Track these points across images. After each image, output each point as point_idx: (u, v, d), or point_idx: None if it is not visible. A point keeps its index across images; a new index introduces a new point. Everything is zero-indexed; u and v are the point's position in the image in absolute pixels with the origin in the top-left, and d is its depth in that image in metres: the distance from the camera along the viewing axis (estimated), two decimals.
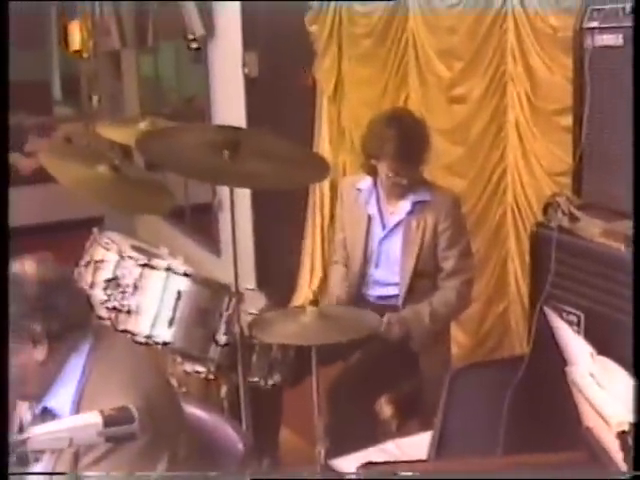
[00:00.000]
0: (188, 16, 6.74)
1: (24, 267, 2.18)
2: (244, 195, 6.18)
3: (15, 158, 9.94)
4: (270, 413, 3.60)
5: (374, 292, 3.79)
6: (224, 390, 3.36)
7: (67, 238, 4.27)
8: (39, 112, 11.15)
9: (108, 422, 1.66)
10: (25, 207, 9.36)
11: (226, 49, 6.46)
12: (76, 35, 10.36)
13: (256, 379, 3.33)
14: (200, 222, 7.53)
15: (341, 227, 3.94)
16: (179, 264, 3.26)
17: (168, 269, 3.17)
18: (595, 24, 2.93)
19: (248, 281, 5.85)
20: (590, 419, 2.11)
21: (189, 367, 3.31)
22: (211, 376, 3.28)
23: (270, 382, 3.35)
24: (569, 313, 2.85)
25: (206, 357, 3.20)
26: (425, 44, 4.83)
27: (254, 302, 3.63)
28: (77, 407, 2.14)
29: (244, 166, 2.88)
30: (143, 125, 4.04)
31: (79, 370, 2.17)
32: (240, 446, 2.36)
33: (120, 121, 5.03)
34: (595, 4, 2.96)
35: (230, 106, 6.50)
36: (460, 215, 3.78)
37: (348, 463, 3.23)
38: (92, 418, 1.68)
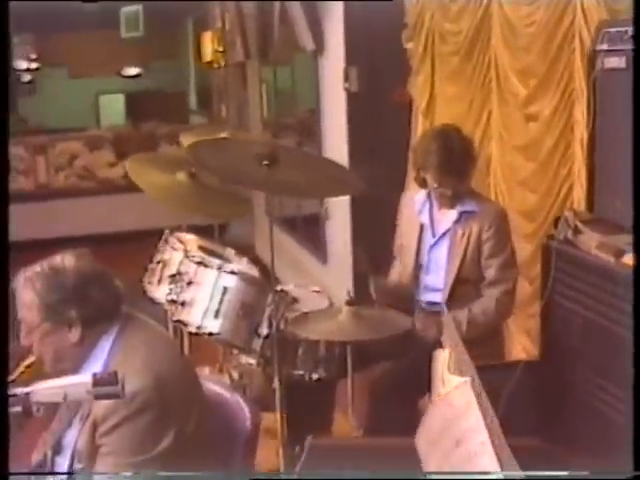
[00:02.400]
0: (299, 31, 7.08)
1: (63, 261, 2.51)
2: (344, 204, 6.47)
3: None
4: (319, 404, 3.86)
5: (424, 297, 4.02)
6: (276, 381, 3.62)
7: None
8: (175, 120, 11.71)
9: (96, 383, 1.99)
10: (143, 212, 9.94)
11: (333, 63, 6.75)
12: (208, 47, 10.84)
13: (301, 372, 3.61)
14: (310, 232, 7.82)
15: (399, 235, 4.18)
16: (230, 264, 3.57)
17: (219, 268, 3.50)
18: (605, 47, 3.09)
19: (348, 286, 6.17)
20: None
21: (243, 359, 3.62)
22: (260, 367, 3.56)
23: (315, 376, 3.62)
24: (570, 320, 3.02)
25: (249, 348, 3.50)
26: (505, 62, 5.01)
27: (317, 303, 3.90)
28: None
29: (280, 176, 3.16)
30: (223, 135, 4.36)
31: (106, 352, 2.51)
32: (248, 424, 2.64)
33: (202, 131, 5.38)
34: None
35: (334, 119, 6.80)
36: (505, 226, 3.95)
37: None
38: (84, 378, 2.02)
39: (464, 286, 3.92)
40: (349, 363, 3.29)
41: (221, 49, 10.19)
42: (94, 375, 2.03)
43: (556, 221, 3.23)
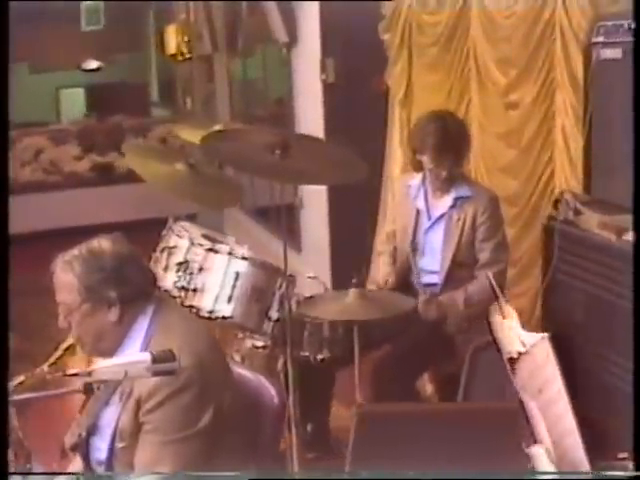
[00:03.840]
0: (272, 23, 7.17)
1: (100, 244, 2.61)
2: (321, 193, 6.59)
3: (113, 157, 10.56)
4: (320, 385, 4.00)
5: (420, 279, 4.15)
6: (280, 362, 3.75)
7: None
8: (137, 113, 11.72)
9: (155, 359, 2.09)
10: (119, 204, 9.97)
11: (307, 55, 6.84)
12: (172, 39, 10.86)
13: (307, 353, 3.74)
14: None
15: (392, 220, 4.33)
16: (240, 250, 3.68)
17: (230, 253, 3.61)
18: (601, 39, 3.26)
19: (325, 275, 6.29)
20: None
21: (250, 342, 3.74)
22: (268, 350, 3.68)
23: (319, 357, 3.75)
24: (572, 297, 3.19)
25: (260, 330, 3.62)
26: (484, 52, 5.17)
27: (314, 289, 4.04)
28: None
29: (292, 164, 3.28)
30: (218, 128, 4.45)
31: (144, 330, 2.62)
32: (276, 400, 2.76)
33: (197, 124, 5.48)
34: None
35: (310, 110, 6.90)
36: (497, 210, 4.12)
37: None
38: (143, 356, 2.12)
39: (459, 269, 4.08)
40: (356, 343, 3.41)
41: (187, 41, 10.26)
42: (152, 353, 2.13)
43: (555, 203, 3.38)
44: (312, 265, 7.01)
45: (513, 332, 2.40)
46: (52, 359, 2.70)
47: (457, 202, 4.09)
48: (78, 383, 2.09)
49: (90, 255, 2.58)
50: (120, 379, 2.14)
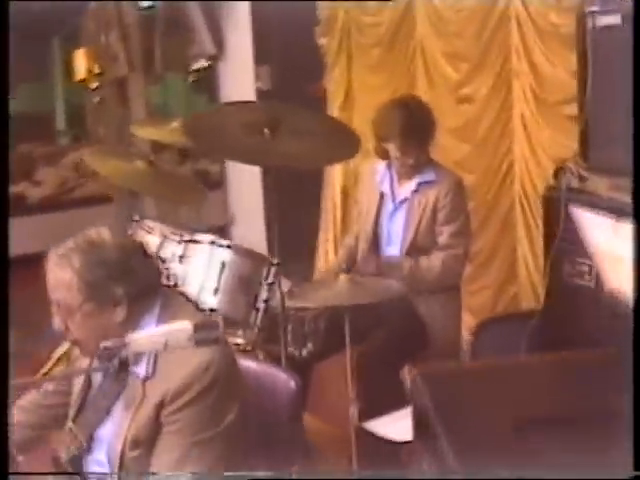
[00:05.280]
0: (199, 35, 7.03)
1: (100, 235, 2.30)
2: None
3: (24, 187, 10.20)
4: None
5: None
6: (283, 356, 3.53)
7: None
8: (43, 143, 11.39)
9: (197, 327, 1.90)
10: (32, 235, 9.62)
11: (238, 65, 6.72)
12: (81, 64, 10.56)
13: (292, 349, 3.57)
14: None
15: (356, 203, 4.23)
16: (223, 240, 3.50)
17: (212, 242, 3.43)
18: (596, 8, 3.23)
19: None
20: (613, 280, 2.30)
21: (230, 339, 3.54)
22: (249, 347, 3.50)
23: (304, 352, 3.59)
24: (581, 264, 3.13)
25: (247, 323, 3.44)
26: (433, 48, 5.12)
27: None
28: (152, 369, 2.26)
29: (284, 145, 3.12)
30: (175, 124, 4.30)
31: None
32: (292, 384, 2.57)
33: (153, 122, 5.30)
34: None
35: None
36: (461, 195, 4.04)
37: (379, 424, 3.49)
38: (184, 325, 1.91)
39: (418, 253, 3.98)
40: (347, 332, 3.27)
41: (97, 66, 10.00)
42: (192, 322, 1.92)
43: (555, 174, 3.32)
44: None
45: None
46: (45, 369, 2.41)
47: (420, 187, 4.01)
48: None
49: (90, 247, 2.27)
50: (159, 350, 1.92)
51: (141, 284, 2.30)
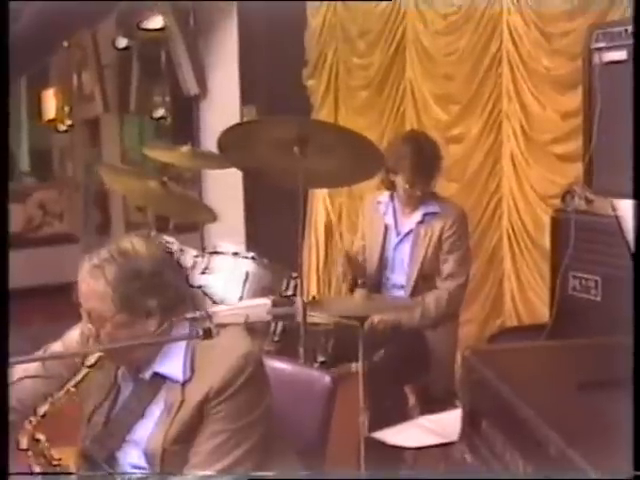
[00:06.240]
0: (182, 75, 7.17)
1: (134, 245, 2.29)
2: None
3: None
4: None
5: (391, 294, 4.21)
6: None
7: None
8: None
9: (275, 304, 2.05)
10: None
11: (222, 104, 6.86)
12: (50, 104, 10.57)
13: (302, 360, 3.70)
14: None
15: (362, 236, 4.37)
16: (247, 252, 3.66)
17: (235, 254, 3.57)
18: (602, 44, 3.48)
19: None
20: None
21: None
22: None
23: (316, 363, 3.72)
24: (587, 280, 3.34)
25: (268, 331, 3.57)
26: (423, 90, 5.35)
27: None
28: (189, 372, 2.30)
29: (312, 163, 3.26)
30: (185, 149, 4.47)
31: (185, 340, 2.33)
32: (327, 379, 2.69)
33: (165, 146, 5.45)
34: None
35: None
36: (464, 226, 4.22)
37: (387, 434, 3.63)
38: (263, 301, 2.06)
39: (426, 282, 4.15)
40: (360, 346, 3.39)
41: (68, 106, 10.06)
42: (271, 299, 2.07)
43: (563, 197, 3.56)
44: None
45: None
46: (78, 378, 2.41)
47: (425, 218, 4.18)
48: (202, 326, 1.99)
49: (124, 259, 2.26)
50: (240, 323, 2.06)
51: (173, 295, 2.31)
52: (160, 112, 8.33)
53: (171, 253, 3.64)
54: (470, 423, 2.23)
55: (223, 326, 2.07)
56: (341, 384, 3.83)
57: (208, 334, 2.04)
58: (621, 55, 3.36)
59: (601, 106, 3.43)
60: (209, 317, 1.98)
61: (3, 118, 3.19)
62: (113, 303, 2.23)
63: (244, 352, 2.30)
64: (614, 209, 2.59)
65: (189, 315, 2.01)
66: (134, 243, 2.30)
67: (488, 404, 2.13)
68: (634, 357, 2.32)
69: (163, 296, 2.27)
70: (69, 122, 10.17)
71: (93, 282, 2.24)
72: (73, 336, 2.45)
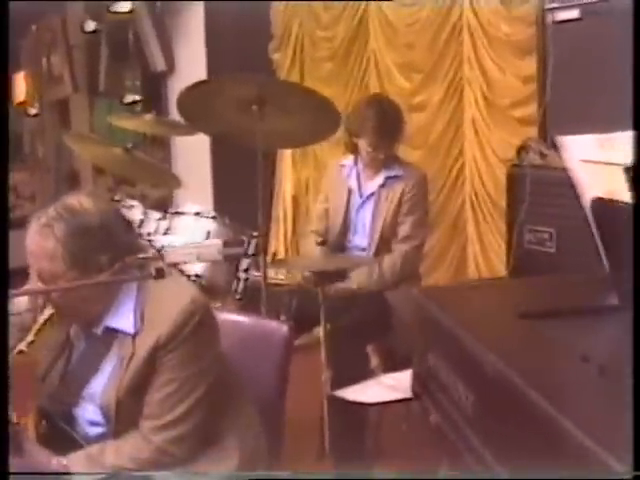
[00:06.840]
0: (150, 52, 7.20)
1: (81, 202, 2.27)
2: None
3: None
4: None
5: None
6: None
7: None
8: None
9: (226, 244, 2.09)
10: None
11: (189, 80, 6.85)
12: (21, 86, 10.54)
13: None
14: None
15: (325, 199, 4.41)
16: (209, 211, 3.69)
17: (197, 214, 3.60)
18: (555, 4, 3.55)
19: None
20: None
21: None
22: None
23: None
24: (542, 232, 3.42)
25: (230, 290, 3.61)
26: (386, 60, 5.41)
27: None
28: (140, 323, 2.31)
29: (271, 124, 3.29)
30: (148, 117, 4.51)
31: (134, 293, 2.34)
32: (284, 328, 2.71)
33: (130, 114, 5.50)
34: None
35: (194, 146, 6.88)
36: (424, 189, 4.27)
37: (349, 392, 3.69)
38: (214, 241, 2.10)
39: (387, 245, 4.20)
40: (322, 310, 3.46)
41: (38, 88, 10.03)
42: (222, 240, 2.11)
43: (519, 152, 3.62)
44: None
45: None
46: (31, 335, 2.29)
47: (387, 181, 4.23)
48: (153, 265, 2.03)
49: (72, 216, 2.23)
50: (192, 262, 2.10)
51: (123, 249, 2.31)
52: (131, 97, 8.33)
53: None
54: (419, 363, 2.28)
55: (174, 265, 2.11)
56: (305, 349, 3.91)
57: (160, 273, 2.08)
58: (573, 14, 3.43)
59: (555, 61, 3.49)
60: (161, 257, 2.01)
61: (3, 112, 3.21)
62: (64, 261, 2.22)
63: (191, 299, 2.30)
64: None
65: (141, 255, 2.03)
66: (81, 200, 2.28)
67: (434, 338, 2.18)
68: (633, 355, 2.35)
69: (112, 250, 2.26)
70: (38, 105, 10.16)
71: (42, 241, 2.22)
72: (22, 300, 2.46)
